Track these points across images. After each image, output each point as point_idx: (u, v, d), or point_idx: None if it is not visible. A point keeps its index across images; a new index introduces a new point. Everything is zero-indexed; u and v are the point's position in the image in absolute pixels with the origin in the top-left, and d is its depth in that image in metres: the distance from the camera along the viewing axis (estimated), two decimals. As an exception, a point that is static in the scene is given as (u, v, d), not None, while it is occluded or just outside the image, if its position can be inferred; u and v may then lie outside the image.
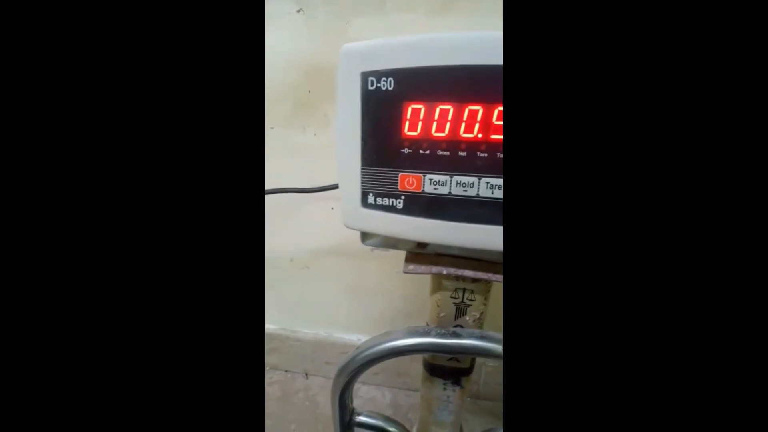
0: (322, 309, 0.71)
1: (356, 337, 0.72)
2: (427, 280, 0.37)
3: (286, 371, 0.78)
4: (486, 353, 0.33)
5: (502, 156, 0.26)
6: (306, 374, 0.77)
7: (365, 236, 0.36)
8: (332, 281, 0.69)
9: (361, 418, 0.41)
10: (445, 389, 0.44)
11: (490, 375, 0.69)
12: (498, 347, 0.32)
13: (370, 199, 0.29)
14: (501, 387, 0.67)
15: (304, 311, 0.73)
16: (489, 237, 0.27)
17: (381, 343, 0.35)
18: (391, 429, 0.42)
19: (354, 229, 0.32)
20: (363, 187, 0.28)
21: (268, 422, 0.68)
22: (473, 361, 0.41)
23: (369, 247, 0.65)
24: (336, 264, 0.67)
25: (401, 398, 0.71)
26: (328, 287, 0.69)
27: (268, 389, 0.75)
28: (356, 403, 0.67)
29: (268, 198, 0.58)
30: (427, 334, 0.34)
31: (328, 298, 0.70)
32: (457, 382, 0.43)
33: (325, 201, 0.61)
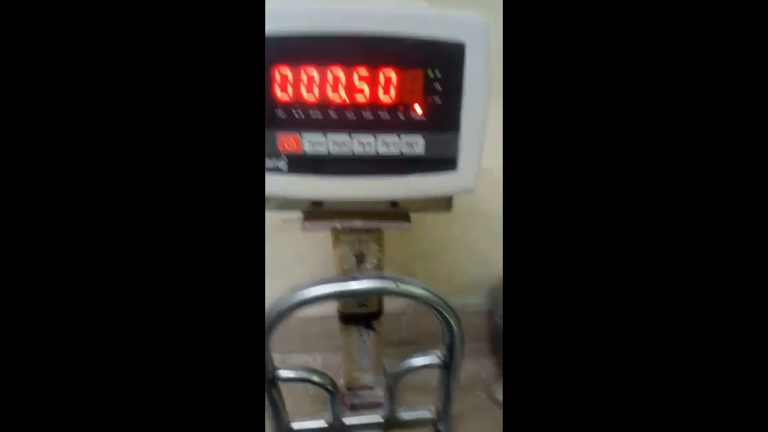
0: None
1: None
2: (331, 238, 0.40)
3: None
4: (381, 291, 0.38)
5: (371, 116, 0.29)
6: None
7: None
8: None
9: (282, 372, 0.44)
10: (360, 335, 0.49)
11: (410, 320, 0.77)
12: (391, 284, 0.37)
13: (254, 162, 0.30)
14: (420, 329, 0.75)
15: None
16: (368, 188, 0.31)
17: (287, 299, 0.37)
18: (313, 378, 0.46)
19: (243, 193, 0.33)
20: (245, 150, 0.30)
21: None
22: (380, 304, 0.46)
23: (281, 220, 0.66)
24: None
25: (331, 359, 0.76)
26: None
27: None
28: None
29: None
30: (328, 281, 0.37)
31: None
32: (369, 326, 0.48)
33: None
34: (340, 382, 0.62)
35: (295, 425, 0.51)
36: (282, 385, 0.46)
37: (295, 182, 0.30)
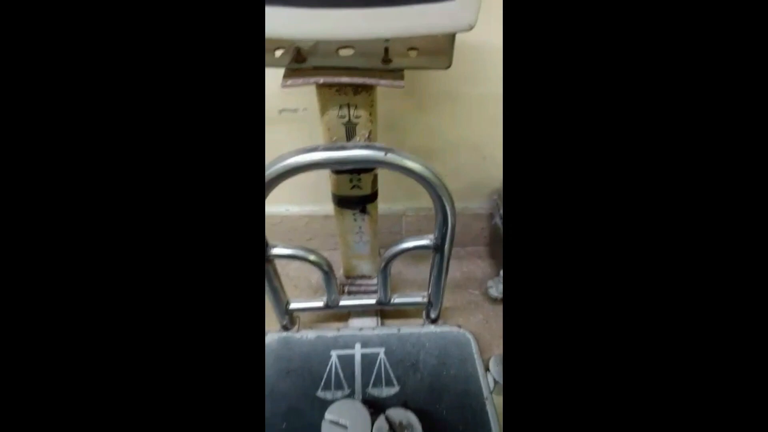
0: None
1: (284, 208, 0.74)
2: (313, 101, 0.37)
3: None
4: (371, 160, 0.35)
5: None
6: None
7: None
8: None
9: (277, 250, 0.45)
10: (355, 219, 0.49)
11: (410, 223, 0.77)
12: (380, 154, 0.35)
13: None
14: (420, 231, 0.76)
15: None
16: (358, 22, 0.27)
17: (272, 166, 0.36)
18: (310, 257, 0.46)
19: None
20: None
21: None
22: (374, 185, 0.45)
23: (277, 110, 0.62)
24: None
25: (335, 257, 0.78)
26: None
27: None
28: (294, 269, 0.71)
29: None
30: (314, 149, 0.35)
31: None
32: (364, 210, 0.47)
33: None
34: (339, 272, 0.64)
35: (294, 305, 0.54)
36: (285, 280, 0.47)
37: (275, 15, 0.26)
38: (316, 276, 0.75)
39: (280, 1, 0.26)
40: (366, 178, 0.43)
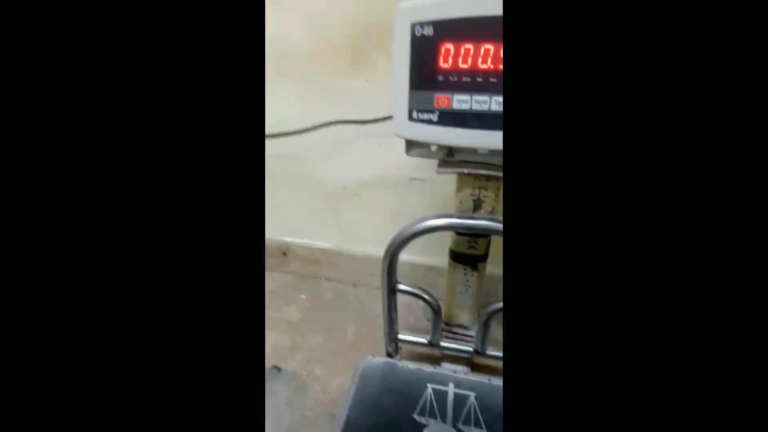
0: (369, 231, 0.88)
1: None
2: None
3: (338, 281, 0.97)
4: (492, 230, 0.47)
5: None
6: (354, 284, 0.95)
7: (409, 147, 0.49)
8: (378, 207, 0.84)
9: (402, 286, 0.57)
10: (465, 274, 0.59)
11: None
12: (499, 225, 0.46)
13: (414, 115, 0.42)
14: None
15: (354, 232, 0.90)
16: (497, 139, 0.40)
17: (416, 224, 0.49)
18: (425, 296, 0.58)
19: (402, 137, 0.45)
20: (410, 105, 0.42)
21: (325, 318, 0.87)
22: (487, 248, 0.55)
23: (408, 178, 0.79)
24: (381, 193, 0.82)
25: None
26: (375, 212, 0.85)
27: (324, 295, 0.94)
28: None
29: (326, 132, 0.72)
30: (450, 216, 0.48)
31: (374, 222, 0.86)
32: (474, 267, 0.58)
33: (373, 138, 0.75)
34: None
35: (402, 336, 0.65)
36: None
37: (440, 131, 0.41)
38: (412, 320, 0.85)
39: (447, 122, 0.41)
40: (482, 242, 0.54)
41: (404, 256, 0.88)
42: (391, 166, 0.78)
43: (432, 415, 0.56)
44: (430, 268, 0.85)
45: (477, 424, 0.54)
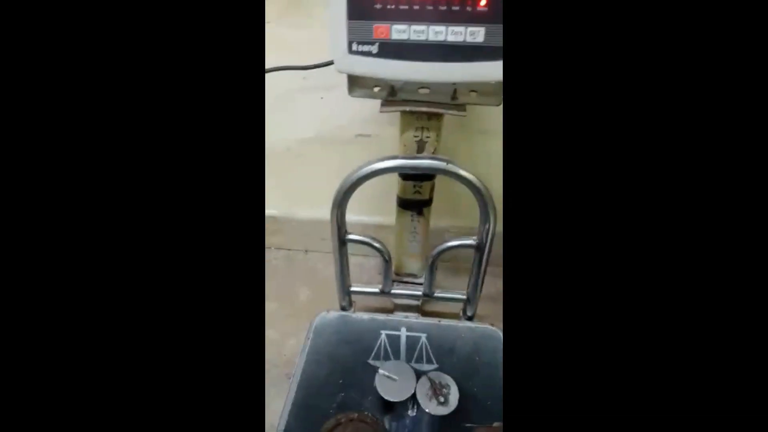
0: (316, 193, 0.86)
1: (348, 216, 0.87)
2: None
3: (288, 249, 0.94)
4: (436, 169, 0.48)
5: (445, 8, 0.37)
6: (306, 251, 0.94)
7: (352, 86, 0.47)
8: (323, 167, 0.82)
9: (352, 236, 0.57)
10: (412, 220, 0.61)
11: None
12: (443, 164, 0.47)
13: (354, 47, 0.41)
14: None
15: (300, 196, 0.87)
16: (437, 71, 0.40)
17: (362, 168, 0.49)
18: (375, 244, 0.58)
19: (342, 72, 0.44)
20: (349, 36, 0.40)
21: (274, 284, 0.85)
22: (431, 191, 0.57)
23: (354, 135, 0.77)
24: (326, 152, 0.80)
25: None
26: (320, 173, 0.83)
27: (274, 263, 0.91)
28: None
29: (267, 86, 0.68)
30: (395, 157, 0.48)
31: (321, 183, 0.84)
32: (420, 212, 0.59)
33: (316, 91, 0.72)
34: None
35: (354, 288, 0.65)
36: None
37: (381, 64, 0.41)
38: (366, 277, 0.86)
39: (387, 54, 0.40)
40: (426, 185, 0.55)
41: (352, 216, 0.87)
42: (336, 123, 0.76)
43: (386, 358, 0.58)
44: (380, 227, 0.86)
45: (429, 361, 0.57)
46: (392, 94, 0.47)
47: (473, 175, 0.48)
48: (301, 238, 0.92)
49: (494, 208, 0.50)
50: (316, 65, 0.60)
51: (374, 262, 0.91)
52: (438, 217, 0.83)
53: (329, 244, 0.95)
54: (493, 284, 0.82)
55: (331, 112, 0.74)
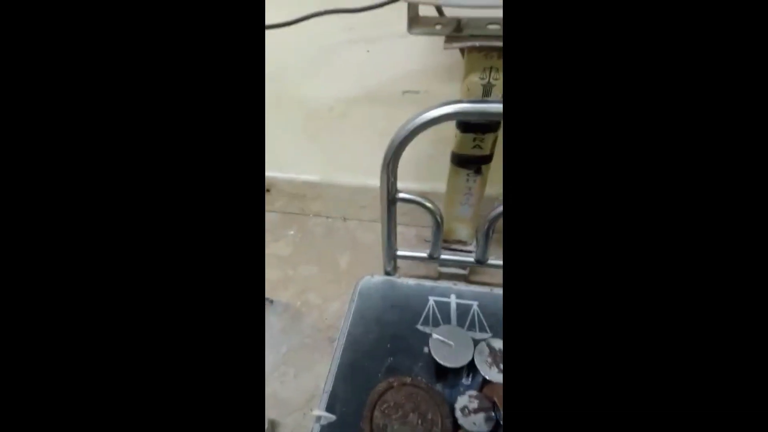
0: (359, 157, 0.82)
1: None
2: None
3: (327, 217, 0.92)
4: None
5: None
6: (344, 218, 0.91)
7: (412, 22, 0.43)
8: (367, 129, 0.78)
9: (403, 194, 0.53)
10: (467, 180, 0.56)
11: (502, 209, 0.81)
12: (515, 109, 0.42)
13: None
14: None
15: (342, 160, 0.84)
16: None
17: (419, 116, 0.44)
18: (428, 204, 0.54)
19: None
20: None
21: (314, 251, 0.83)
22: (493, 146, 0.51)
23: (401, 92, 0.72)
24: (371, 111, 0.76)
25: (424, 233, 0.85)
26: (364, 135, 0.79)
27: (313, 230, 0.90)
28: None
29: (304, 38, 0.63)
30: (459, 102, 0.43)
31: (364, 146, 0.80)
32: (479, 171, 0.54)
33: (361, 43, 0.67)
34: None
35: (401, 252, 0.62)
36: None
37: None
38: (406, 245, 0.83)
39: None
40: (489, 138, 0.50)
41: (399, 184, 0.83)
42: (382, 79, 0.71)
43: (435, 325, 0.54)
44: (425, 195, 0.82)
45: (482, 329, 0.53)
46: (457, 30, 0.42)
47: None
48: (340, 205, 0.90)
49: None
50: (365, 7, 0.55)
51: (415, 231, 0.87)
52: (491, 185, 0.78)
53: (369, 212, 0.92)
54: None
55: (377, 67, 0.69)
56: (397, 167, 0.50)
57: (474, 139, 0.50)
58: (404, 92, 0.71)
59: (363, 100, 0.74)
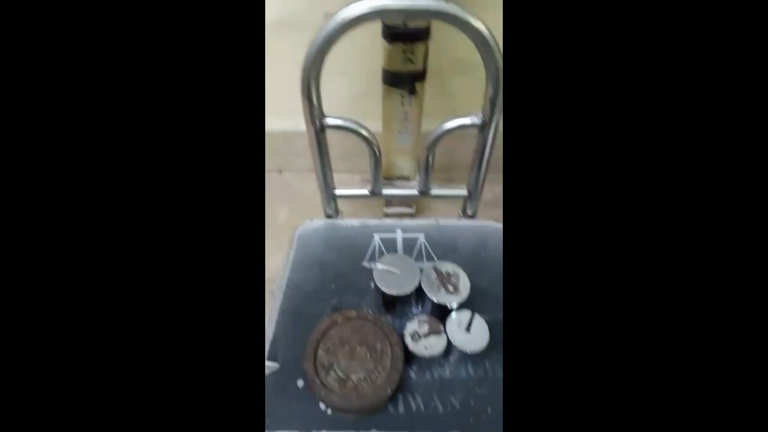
0: (284, 96, 0.73)
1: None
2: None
3: (259, 170, 0.84)
4: (432, 12, 0.38)
5: None
6: (280, 170, 0.84)
7: None
8: (287, 61, 0.69)
9: (331, 120, 0.47)
10: (402, 104, 0.51)
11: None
12: (444, 4, 0.37)
13: None
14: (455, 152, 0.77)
15: (269, 100, 0.75)
16: None
17: (335, 17, 0.38)
18: (361, 131, 0.49)
19: None
20: None
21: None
22: (425, 59, 0.47)
23: (323, 13, 0.64)
24: (290, 40, 0.67)
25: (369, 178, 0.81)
26: (287, 69, 0.70)
27: (245, 186, 0.81)
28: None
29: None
30: (381, -5, 0.37)
31: (288, 83, 0.71)
32: (412, 91, 0.50)
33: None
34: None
35: (339, 191, 0.57)
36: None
37: None
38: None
39: None
40: (419, 49, 0.45)
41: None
42: (304, 5, 0.62)
43: (382, 260, 0.51)
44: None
45: (429, 259, 0.51)
46: None
47: (482, 22, 0.38)
48: (272, 157, 0.81)
49: (501, 64, 0.41)
50: None
51: (358, 178, 0.82)
52: (429, 121, 0.74)
53: (306, 160, 0.85)
54: (491, 190, 0.76)
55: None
56: (319, 84, 0.43)
57: (404, 51, 0.45)
58: (326, 14, 0.63)
59: (282, 27, 0.65)
